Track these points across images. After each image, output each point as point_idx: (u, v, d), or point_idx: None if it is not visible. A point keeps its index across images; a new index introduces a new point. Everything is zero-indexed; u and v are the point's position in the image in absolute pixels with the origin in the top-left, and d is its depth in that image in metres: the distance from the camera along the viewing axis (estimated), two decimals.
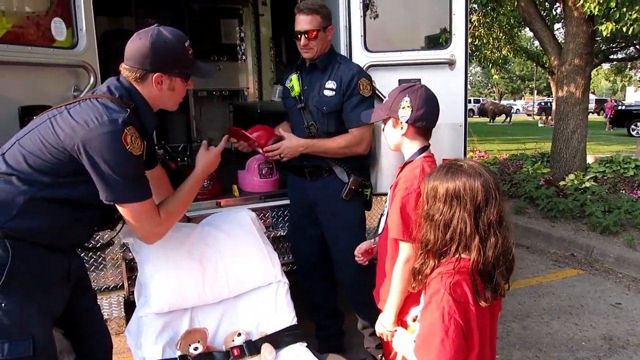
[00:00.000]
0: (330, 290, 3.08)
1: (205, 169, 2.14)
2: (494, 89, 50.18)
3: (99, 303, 2.17)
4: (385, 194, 2.14)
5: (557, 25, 12.21)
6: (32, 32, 2.43)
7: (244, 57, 6.55)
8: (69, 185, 1.70)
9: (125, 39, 1.87)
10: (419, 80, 2.91)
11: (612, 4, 5.65)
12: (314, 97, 2.74)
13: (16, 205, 1.62)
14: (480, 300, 1.46)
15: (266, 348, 2.18)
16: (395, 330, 1.85)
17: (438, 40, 3.29)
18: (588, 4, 5.82)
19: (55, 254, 1.75)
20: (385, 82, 2.93)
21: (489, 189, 1.48)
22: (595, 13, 5.88)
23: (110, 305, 2.69)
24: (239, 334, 2.24)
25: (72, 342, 2.00)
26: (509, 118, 31.62)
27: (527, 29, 11.42)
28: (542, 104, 36.25)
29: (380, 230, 2.13)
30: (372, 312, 2.13)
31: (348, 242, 2.52)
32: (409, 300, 1.87)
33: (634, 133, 20.26)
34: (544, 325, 3.68)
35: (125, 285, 2.72)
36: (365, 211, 2.92)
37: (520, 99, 52.66)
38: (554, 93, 9.44)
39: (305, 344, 2.28)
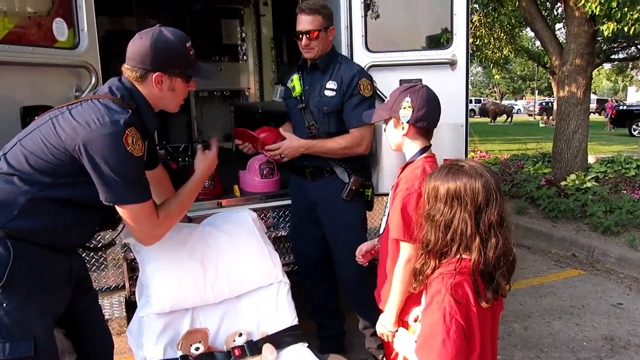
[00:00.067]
0: (332, 290, 3.08)
1: (205, 172, 2.15)
2: (495, 89, 50.14)
3: (100, 303, 2.17)
4: (387, 195, 2.14)
5: (558, 25, 12.19)
6: (34, 33, 2.43)
7: (245, 58, 6.56)
8: (70, 185, 1.70)
9: (127, 39, 1.87)
10: (420, 80, 2.90)
11: (614, 4, 5.65)
12: (314, 97, 2.74)
13: (17, 206, 1.63)
14: (481, 301, 1.46)
15: (267, 348, 2.18)
16: (396, 331, 1.85)
17: (439, 40, 3.28)
18: (589, 3, 5.81)
19: (56, 254, 1.76)
20: (387, 82, 2.94)
21: (489, 190, 1.48)
22: (597, 13, 5.87)
23: (111, 306, 2.69)
24: (240, 334, 2.24)
25: (73, 342, 2.00)
26: (510, 118, 31.59)
27: (528, 29, 11.42)
28: (543, 104, 36.23)
29: (381, 231, 2.13)
30: (373, 313, 2.13)
31: (349, 242, 2.52)
32: (410, 300, 1.87)
33: (635, 133, 20.22)
34: (545, 326, 3.68)
35: (127, 285, 2.72)
36: (367, 211, 2.92)
37: (522, 99, 52.59)
38: (555, 93, 9.42)
39: (307, 344, 2.28)
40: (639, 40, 10.65)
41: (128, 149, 1.66)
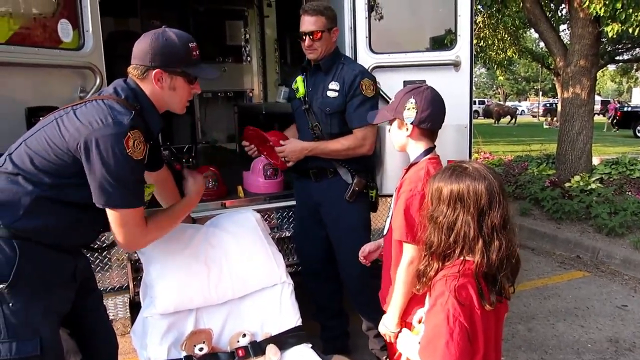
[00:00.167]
0: (335, 291, 3.08)
1: (196, 195, 2.17)
2: (499, 90, 50.05)
3: (104, 304, 2.18)
4: (391, 196, 2.14)
5: (562, 27, 12.14)
6: (39, 34, 2.44)
7: (248, 59, 6.57)
8: (73, 186, 1.70)
9: (131, 41, 1.88)
10: (424, 81, 2.91)
11: (618, 5, 5.63)
12: (317, 98, 2.75)
13: (23, 206, 1.63)
14: (485, 303, 1.46)
15: (271, 349, 2.19)
16: (399, 332, 1.85)
17: (443, 41, 3.28)
18: (594, 5, 5.80)
19: (61, 254, 1.76)
20: (390, 84, 2.94)
21: (492, 193, 1.47)
22: (601, 14, 5.85)
23: (115, 306, 2.70)
24: (244, 335, 2.24)
25: (77, 342, 2.01)
26: (514, 119, 31.50)
27: (532, 30, 11.39)
28: (547, 105, 36.11)
29: (385, 232, 2.13)
30: (377, 314, 2.12)
31: (352, 243, 2.52)
32: (414, 301, 1.87)
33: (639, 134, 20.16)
34: (550, 327, 3.66)
35: (131, 285, 2.72)
36: (372, 213, 2.92)
37: (526, 100, 52.43)
38: (559, 94, 9.39)
39: (310, 345, 2.28)
40: None
41: (128, 151, 1.65)
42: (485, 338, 1.48)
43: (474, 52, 3.23)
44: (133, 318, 2.44)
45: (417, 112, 1.91)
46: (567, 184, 6.61)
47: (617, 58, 12.92)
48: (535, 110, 39.31)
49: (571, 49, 6.93)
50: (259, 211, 2.72)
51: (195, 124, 6.31)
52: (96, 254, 2.57)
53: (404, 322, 1.92)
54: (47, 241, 1.69)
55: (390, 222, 2.01)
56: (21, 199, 1.64)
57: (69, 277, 1.82)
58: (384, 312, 2.03)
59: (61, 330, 1.83)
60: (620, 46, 11.64)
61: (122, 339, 2.33)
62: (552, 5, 10.17)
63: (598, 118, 19.26)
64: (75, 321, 1.95)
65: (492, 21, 10.55)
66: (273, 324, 2.34)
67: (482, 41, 10.72)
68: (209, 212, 2.90)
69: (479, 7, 9.43)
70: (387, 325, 1.96)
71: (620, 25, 6.00)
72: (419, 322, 1.72)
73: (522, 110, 42.85)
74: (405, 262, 1.86)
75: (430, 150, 1.98)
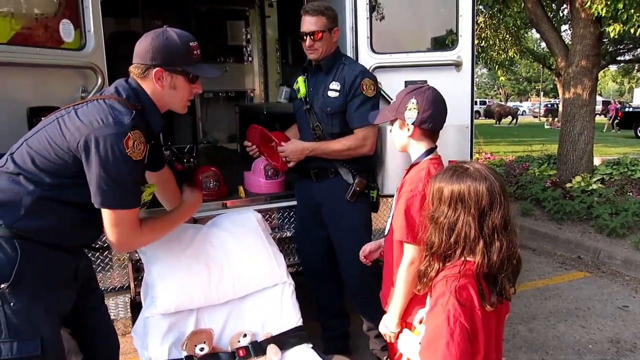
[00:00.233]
0: (336, 291, 3.08)
1: (192, 206, 2.19)
2: (500, 91, 50.00)
3: (105, 304, 2.18)
4: (392, 196, 2.14)
5: (564, 27, 12.13)
6: (41, 34, 2.44)
7: (250, 59, 6.58)
8: (74, 186, 1.70)
9: (132, 41, 1.88)
10: (425, 81, 2.91)
11: (620, 6, 5.63)
12: (318, 98, 2.75)
13: (24, 206, 1.63)
14: (485, 304, 1.46)
15: (272, 349, 2.19)
16: (399, 332, 1.85)
17: (444, 41, 3.28)
18: (595, 5, 5.79)
19: (62, 254, 1.76)
20: (392, 84, 2.94)
21: (493, 193, 1.47)
22: (603, 14, 5.85)
23: (116, 306, 2.70)
24: (245, 335, 2.25)
25: (79, 342, 2.01)
26: (515, 120, 31.49)
27: (533, 30, 11.38)
28: (549, 105, 36.08)
29: (386, 232, 2.13)
30: (378, 314, 2.12)
31: (353, 243, 2.52)
32: (414, 302, 1.87)
33: None
34: (551, 328, 3.66)
35: (132, 285, 2.72)
36: (373, 213, 2.92)
37: (527, 100, 52.37)
38: (560, 95, 9.38)
39: (311, 345, 2.29)
40: None
41: (127, 151, 1.65)
42: (486, 338, 1.48)
43: (475, 53, 3.22)
44: (134, 318, 2.44)
45: (418, 113, 1.91)
46: (568, 185, 6.61)
47: (619, 58, 12.90)
48: (537, 110, 39.28)
49: (572, 50, 6.92)
50: (260, 211, 2.73)
51: (196, 124, 6.32)
52: (97, 253, 2.58)
53: (405, 322, 1.92)
54: (48, 241, 1.70)
55: (391, 223, 2.01)
56: (22, 198, 1.64)
57: (71, 277, 1.82)
58: (384, 313, 2.03)
59: (62, 330, 1.83)
60: (621, 46, 11.62)
61: (123, 339, 2.33)
62: (553, 5, 10.15)
63: (599, 118, 19.23)
64: (76, 321, 1.95)
65: (494, 21, 10.55)
66: (274, 324, 2.34)
67: (483, 41, 10.72)
68: (210, 212, 2.90)
69: (481, 7, 9.43)
70: (388, 325, 1.96)
71: (621, 25, 6.00)
72: (420, 322, 1.72)
73: (524, 111, 42.82)
74: (406, 263, 1.86)
75: (431, 150, 1.98)
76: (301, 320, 2.38)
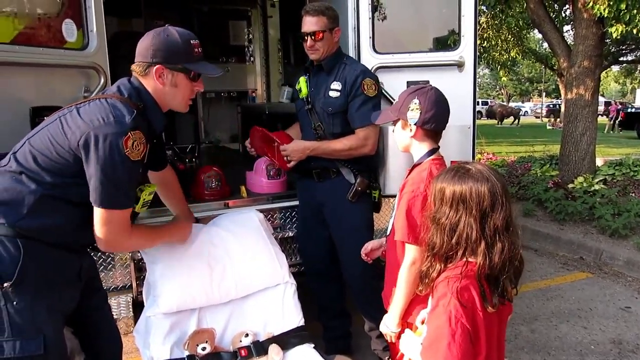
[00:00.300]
0: (338, 291, 3.08)
1: (178, 230, 2.23)
2: (502, 91, 49.92)
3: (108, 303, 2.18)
4: (394, 196, 2.13)
5: (566, 27, 12.12)
6: (44, 34, 2.44)
7: (252, 59, 6.58)
8: (75, 186, 1.70)
9: (135, 40, 1.89)
10: (428, 81, 2.90)
11: (622, 6, 5.62)
12: (320, 98, 2.75)
13: (27, 205, 1.64)
14: (487, 305, 1.45)
15: (273, 349, 2.19)
16: (399, 332, 1.85)
17: (447, 42, 3.28)
18: (598, 5, 5.79)
19: (65, 253, 1.77)
20: (394, 84, 2.94)
21: (495, 195, 1.47)
22: (605, 15, 5.84)
23: (118, 305, 2.70)
24: (247, 335, 2.25)
25: (82, 341, 2.01)
26: (517, 120, 31.45)
27: (535, 30, 11.37)
28: (551, 106, 36.02)
29: (388, 232, 2.13)
30: (379, 314, 2.12)
31: (355, 243, 2.51)
32: (416, 302, 1.87)
33: None
34: (553, 329, 3.66)
35: (134, 285, 2.73)
36: (375, 213, 2.92)
37: (529, 101, 52.31)
38: (562, 95, 9.36)
39: (313, 345, 2.29)
40: None
41: (125, 151, 1.65)
42: (487, 339, 1.47)
43: (477, 53, 3.22)
44: (136, 317, 2.44)
45: (421, 113, 1.90)
46: (570, 185, 6.60)
47: (621, 59, 12.89)
48: (539, 111, 39.20)
49: (575, 50, 6.91)
50: (262, 211, 2.73)
51: (198, 124, 6.33)
52: (100, 253, 2.58)
53: (405, 322, 1.92)
54: (51, 240, 1.70)
55: (393, 223, 2.01)
56: (25, 197, 1.64)
57: (74, 277, 1.83)
58: (386, 313, 2.03)
59: (65, 329, 1.83)
60: (624, 47, 11.61)
61: (125, 338, 2.34)
62: (556, 6, 10.13)
63: (600, 119, 19.21)
64: (79, 320, 1.96)
65: (496, 22, 10.54)
66: (276, 323, 2.34)
67: (485, 42, 10.71)
68: (212, 212, 2.90)
69: (483, 7, 9.42)
70: (388, 324, 1.97)
71: (624, 26, 5.99)
72: (422, 323, 1.71)
73: (526, 111, 42.70)
74: (407, 263, 1.86)
75: (434, 151, 1.97)
76: (303, 320, 2.38)
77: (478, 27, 3.22)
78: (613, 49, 11.42)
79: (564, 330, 3.64)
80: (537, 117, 38.32)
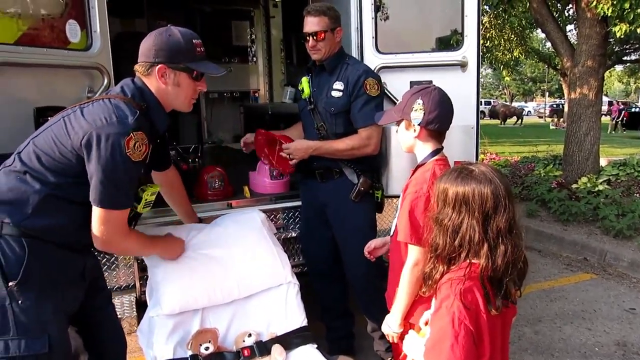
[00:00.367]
0: (341, 291, 3.08)
1: (169, 247, 2.20)
2: (505, 91, 49.86)
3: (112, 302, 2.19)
4: (397, 196, 2.13)
5: (569, 27, 12.08)
6: (47, 34, 2.45)
7: (254, 59, 6.58)
8: (78, 186, 1.71)
9: (138, 41, 1.89)
10: (431, 82, 2.90)
11: (626, 5, 5.60)
12: (322, 98, 2.75)
13: (31, 204, 1.65)
14: (490, 308, 1.45)
15: (276, 349, 2.19)
16: (402, 332, 1.84)
17: (450, 42, 3.27)
18: (601, 5, 5.77)
19: (70, 253, 1.77)
20: (397, 84, 2.93)
21: (498, 197, 1.46)
22: (609, 14, 5.82)
23: (122, 305, 2.71)
24: (250, 335, 2.25)
25: (86, 340, 2.02)
26: (520, 120, 31.39)
27: (539, 30, 11.36)
28: (554, 106, 35.99)
29: (391, 233, 2.13)
30: (382, 314, 2.12)
31: (358, 243, 2.51)
32: (418, 303, 1.87)
33: None
34: (557, 330, 3.64)
35: (137, 285, 2.73)
36: (378, 213, 2.91)
37: (532, 101, 52.22)
38: (566, 95, 9.33)
39: (316, 346, 2.28)
40: None
41: (127, 152, 1.66)
42: (491, 341, 1.47)
43: (480, 53, 3.22)
44: (139, 317, 2.44)
45: (424, 113, 1.90)
46: (574, 186, 6.58)
47: (625, 58, 12.81)
48: (542, 111, 39.17)
49: (578, 50, 6.89)
50: (265, 211, 2.73)
51: (201, 124, 6.32)
52: (103, 253, 2.58)
53: (408, 323, 1.92)
54: (55, 240, 1.71)
55: (396, 224, 2.01)
56: (29, 197, 1.65)
57: (78, 276, 1.83)
58: (389, 313, 2.03)
59: (69, 329, 1.84)
60: (627, 46, 11.54)
61: (129, 338, 2.33)
62: (559, 5, 10.10)
63: (603, 119, 19.15)
64: (83, 320, 1.96)
65: (499, 21, 10.52)
66: (279, 324, 2.34)
67: (488, 41, 10.69)
68: (215, 212, 2.90)
69: (486, 7, 9.40)
70: (390, 325, 1.97)
71: (628, 25, 5.96)
72: (426, 324, 1.71)
73: (529, 111, 42.67)
74: (410, 264, 1.86)
75: (437, 151, 1.97)
76: (306, 320, 2.38)
77: (481, 27, 3.21)
78: (617, 48, 11.37)
79: (568, 331, 3.63)
80: (540, 117, 38.26)
